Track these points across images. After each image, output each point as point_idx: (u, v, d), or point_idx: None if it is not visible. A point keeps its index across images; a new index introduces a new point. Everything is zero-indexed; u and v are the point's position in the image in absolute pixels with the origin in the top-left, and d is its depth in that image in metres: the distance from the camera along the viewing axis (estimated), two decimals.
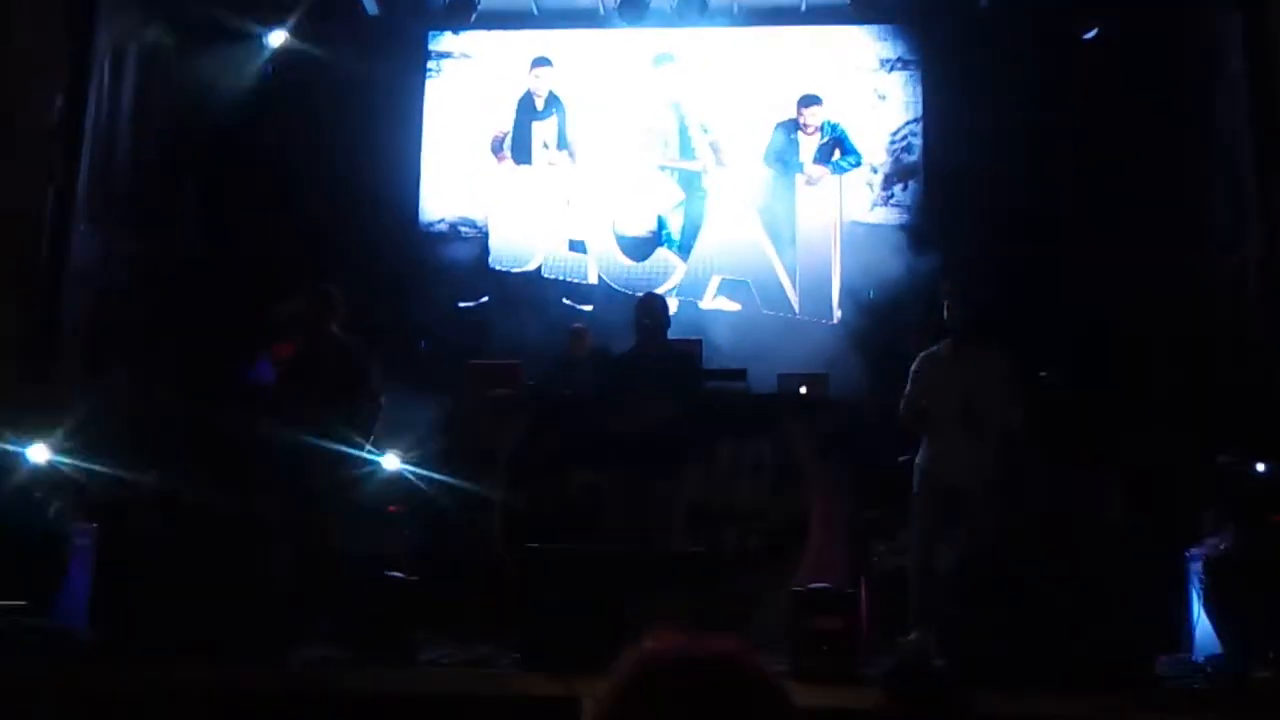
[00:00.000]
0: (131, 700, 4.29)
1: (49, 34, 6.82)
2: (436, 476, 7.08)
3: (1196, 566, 5.64)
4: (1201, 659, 5.39)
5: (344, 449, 6.03)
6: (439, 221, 9.30)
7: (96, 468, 6.55)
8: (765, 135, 9.12)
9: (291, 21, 8.76)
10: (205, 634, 5.12)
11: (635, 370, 6.14)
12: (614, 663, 1.24)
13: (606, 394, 6.28)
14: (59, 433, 6.46)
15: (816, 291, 8.91)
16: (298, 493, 5.93)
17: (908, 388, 5.98)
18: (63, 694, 4.34)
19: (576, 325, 8.04)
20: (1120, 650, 4.87)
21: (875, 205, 9.02)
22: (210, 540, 5.64)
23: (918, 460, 5.94)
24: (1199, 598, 5.57)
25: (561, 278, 9.13)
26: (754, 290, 8.94)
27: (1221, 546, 5.55)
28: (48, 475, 6.14)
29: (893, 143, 9.08)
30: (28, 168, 6.69)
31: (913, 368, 6.01)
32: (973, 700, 3.41)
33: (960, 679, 4.77)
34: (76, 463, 6.51)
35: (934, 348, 6.00)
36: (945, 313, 5.95)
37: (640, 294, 6.58)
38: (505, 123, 9.34)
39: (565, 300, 9.03)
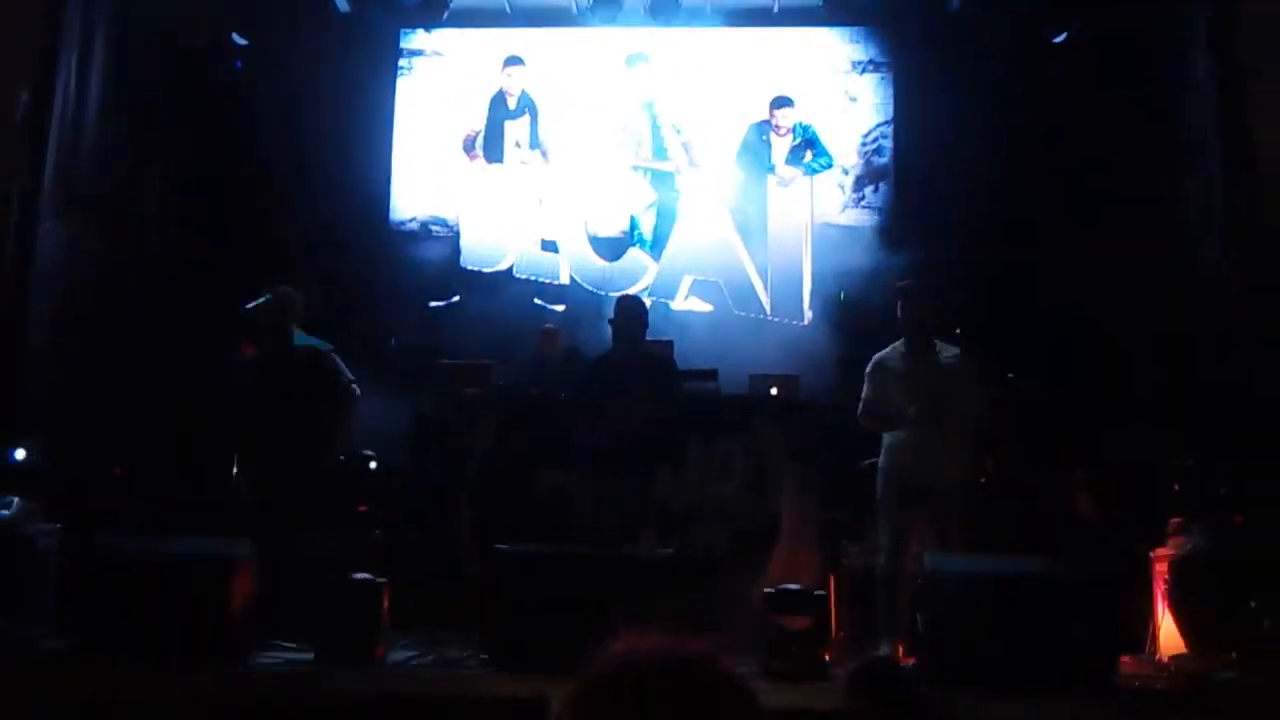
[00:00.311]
0: (95, 705, 4.24)
1: (15, 30, 6.75)
2: (406, 476, 7.06)
3: (1161, 567, 5.69)
4: (1165, 659, 5.43)
5: (310, 450, 6.00)
6: (410, 220, 9.26)
7: (61, 467, 6.50)
8: (738, 136, 9.13)
9: (263, 17, 8.70)
10: (169, 637, 5.07)
11: (614, 374, 6.11)
12: (582, 664, 1.23)
13: (584, 398, 6.25)
14: (23, 431, 6.40)
15: (788, 292, 8.93)
16: (265, 493, 5.88)
17: (865, 389, 5.97)
18: (24, 699, 4.29)
19: (548, 325, 8.04)
20: (1084, 651, 4.90)
21: (846, 207, 9.06)
22: (176, 540, 5.59)
23: (880, 464, 5.92)
24: (1163, 598, 5.62)
25: (533, 277, 9.11)
26: (725, 291, 8.95)
27: (1187, 546, 5.60)
28: (11, 474, 6.07)
29: (864, 144, 9.11)
30: None
31: (868, 369, 6.01)
32: (949, 703, 3.42)
33: (928, 681, 4.80)
34: (41, 462, 6.45)
35: (887, 349, 5.99)
36: (899, 311, 5.93)
37: (617, 294, 6.53)
38: (477, 121, 9.31)
39: (537, 300, 9.01)
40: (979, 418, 5.84)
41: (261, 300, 6.02)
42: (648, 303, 8.08)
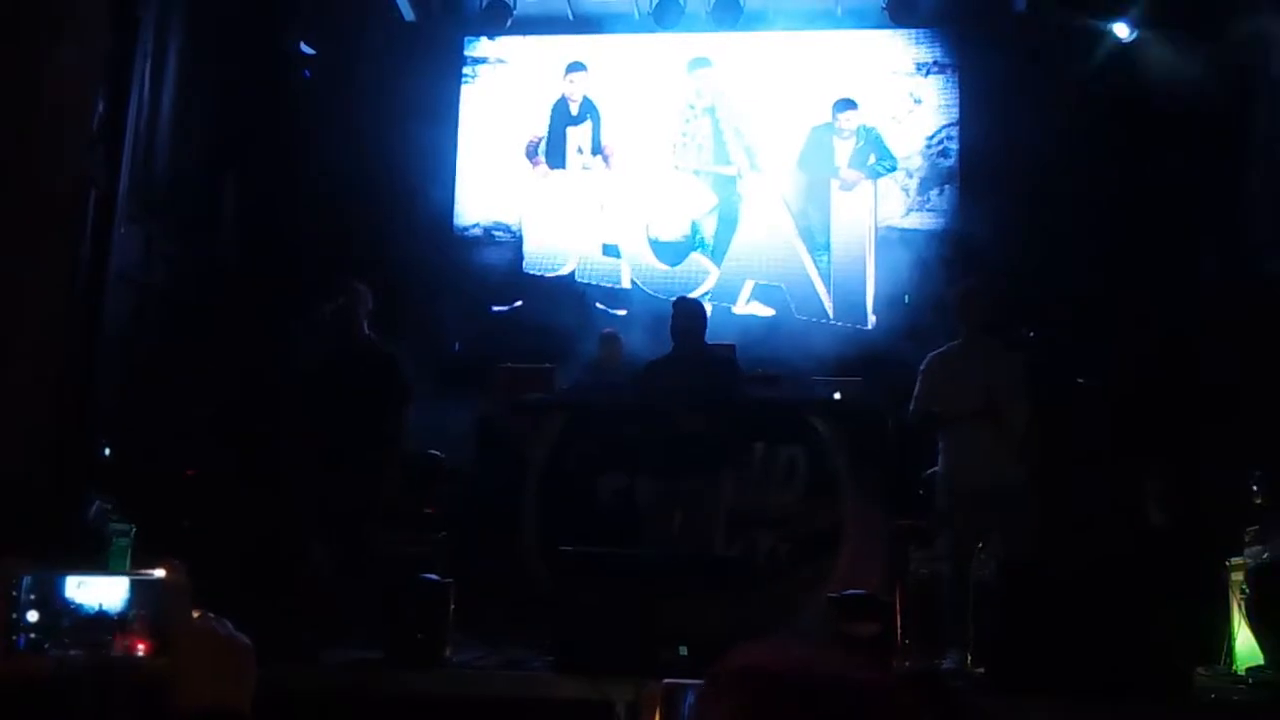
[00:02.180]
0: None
1: (91, 37, 6.91)
2: (469, 479, 7.11)
3: (1238, 576, 5.56)
4: (1243, 671, 5.30)
5: (379, 448, 6.08)
6: (474, 225, 9.34)
7: (135, 469, 6.64)
8: (800, 139, 9.10)
9: (330, 26, 8.84)
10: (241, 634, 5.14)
11: (675, 376, 6.09)
12: (706, 678, 1.11)
13: (644, 400, 6.25)
14: (98, 432, 6.55)
15: (851, 296, 8.88)
16: (334, 493, 5.96)
17: (917, 387, 5.89)
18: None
19: (606, 331, 8.04)
20: (1158, 661, 4.79)
21: (911, 210, 8.98)
22: (246, 540, 5.67)
23: (938, 469, 5.86)
24: (1240, 608, 5.48)
25: (595, 282, 9.14)
26: (788, 295, 8.91)
27: (1265, 555, 5.46)
28: (92, 474, 6.20)
29: (928, 147, 9.04)
30: (71, 170, 6.77)
31: (922, 367, 5.94)
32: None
33: (996, 688, 4.73)
34: (116, 463, 6.59)
35: (943, 348, 5.93)
36: (957, 310, 5.87)
37: (675, 298, 6.53)
38: (540, 127, 9.37)
39: (599, 305, 9.04)
40: (1031, 419, 5.76)
41: (338, 302, 6.12)
42: (709, 308, 8.10)
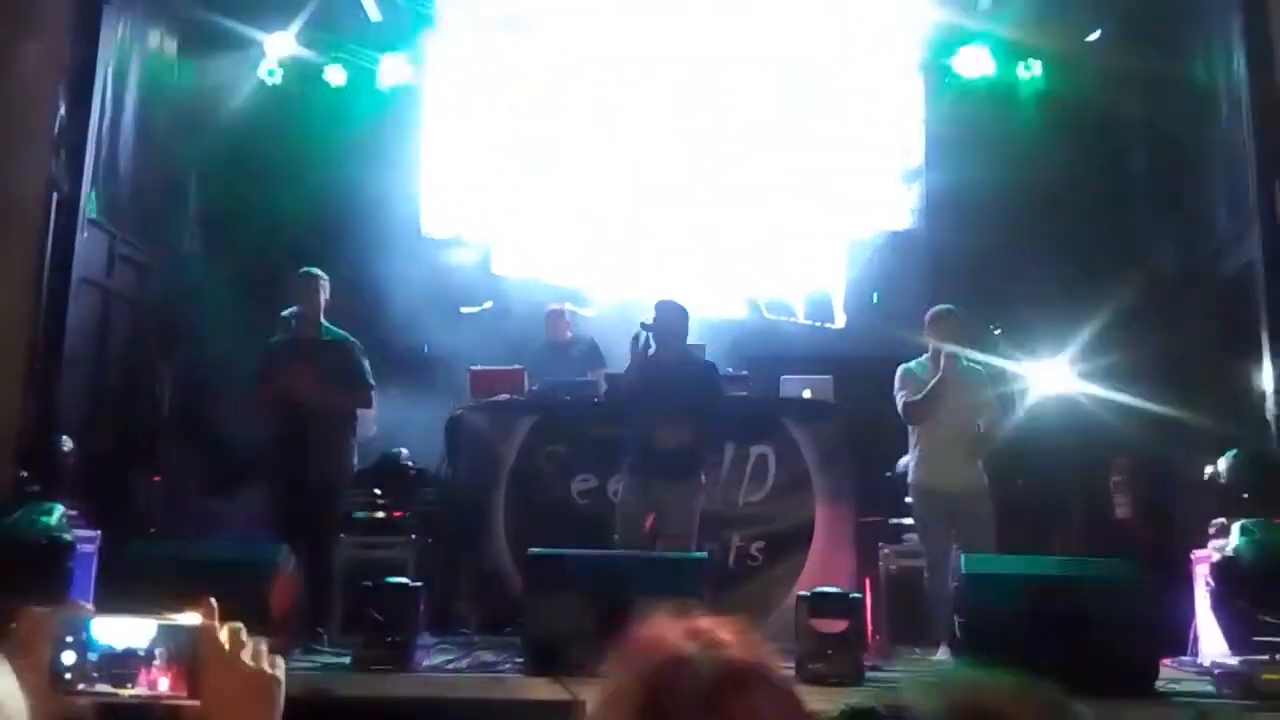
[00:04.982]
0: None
1: (53, 40, 6.83)
2: (439, 480, 7.09)
3: (1201, 569, 5.62)
4: (1207, 662, 5.36)
5: (337, 438, 6.02)
6: (442, 227, 9.28)
7: (100, 474, 6.57)
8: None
9: (295, 27, 8.77)
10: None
11: (661, 382, 5.94)
12: (613, 657, 1.21)
13: (624, 403, 6.22)
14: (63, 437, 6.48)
15: (819, 295, 8.90)
16: (306, 496, 5.91)
17: (899, 389, 5.95)
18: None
19: (553, 306, 7.94)
20: (1124, 653, 4.84)
21: (880, 209, 9.01)
22: (213, 543, 5.63)
23: (910, 478, 5.96)
24: (1205, 599, 5.54)
25: (563, 283, 9.10)
26: (756, 294, 8.92)
27: (1228, 548, 5.52)
28: (52, 479, 6.13)
29: (897, 147, 9.07)
30: (32, 173, 6.70)
31: (898, 375, 6.02)
32: None
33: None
34: (81, 469, 6.52)
35: (911, 363, 6.02)
36: (927, 333, 5.97)
37: (657, 300, 6.33)
38: (510, 128, 9.32)
39: (569, 305, 9.00)
40: (993, 423, 5.87)
41: (294, 309, 6.05)
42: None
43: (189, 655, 1.18)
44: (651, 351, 5.97)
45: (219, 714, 1.19)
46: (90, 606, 1.20)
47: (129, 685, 1.17)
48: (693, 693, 1.13)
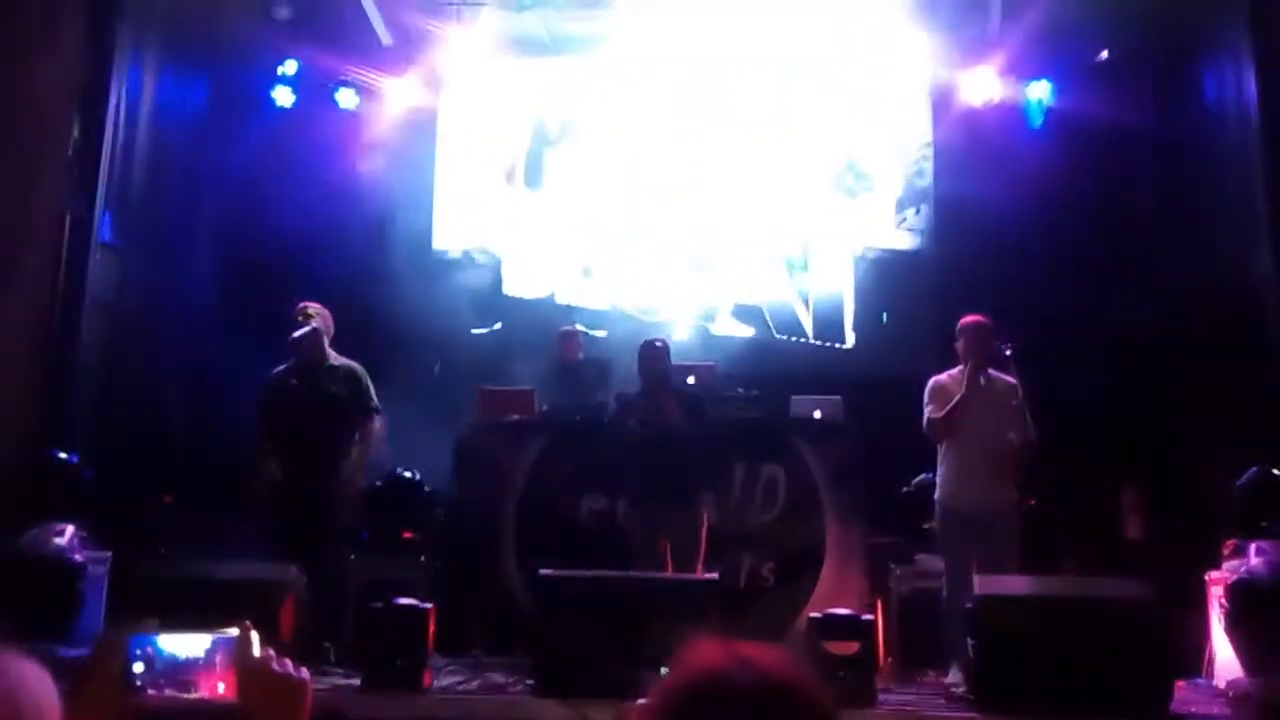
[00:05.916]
0: None
1: (66, 62, 6.88)
2: (449, 501, 7.08)
3: (1216, 590, 5.58)
4: (1223, 684, 5.32)
5: (354, 470, 6.05)
6: (453, 248, 9.31)
7: (111, 494, 6.58)
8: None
9: (307, 51, 8.83)
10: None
11: (642, 411, 6.26)
12: (658, 678, 1.23)
13: (620, 430, 6.34)
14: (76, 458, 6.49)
15: (829, 315, 8.90)
16: (310, 517, 5.92)
17: (926, 402, 5.85)
18: None
19: (565, 328, 8.03)
20: (1139, 675, 4.80)
21: (888, 229, 9.02)
22: (223, 565, 5.62)
23: (937, 495, 5.82)
24: (1219, 621, 5.50)
25: (574, 304, 9.12)
26: (767, 314, 8.93)
27: (1243, 569, 5.49)
28: (63, 497, 6.14)
29: (905, 167, 9.08)
30: (45, 195, 6.75)
31: (928, 387, 5.92)
32: None
33: (980, 707, 4.74)
34: (92, 489, 6.53)
35: (942, 375, 5.90)
36: (958, 344, 5.85)
37: (644, 340, 6.57)
38: (519, 150, 9.36)
39: (579, 326, 9.01)
40: (1026, 444, 5.73)
41: (306, 330, 6.08)
42: (689, 327, 8.17)
43: (235, 662, 1.41)
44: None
45: (259, 713, 1.40)
46: (156, 623, 1.43)
47: (192, 690, 1.40)
48: (736, 707, 1.15)
